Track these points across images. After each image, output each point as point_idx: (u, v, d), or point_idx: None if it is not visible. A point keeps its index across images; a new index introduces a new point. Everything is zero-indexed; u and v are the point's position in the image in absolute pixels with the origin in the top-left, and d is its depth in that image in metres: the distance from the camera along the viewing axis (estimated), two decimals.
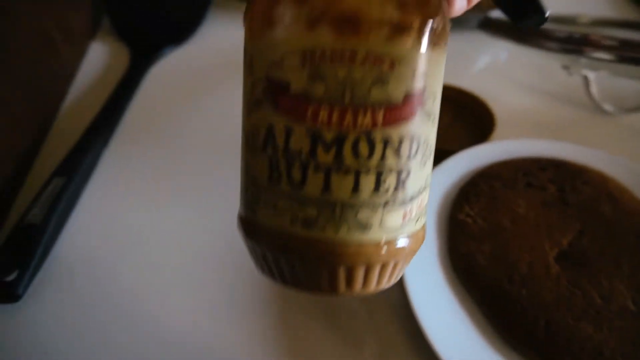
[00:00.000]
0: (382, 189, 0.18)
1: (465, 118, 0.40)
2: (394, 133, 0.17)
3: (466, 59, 0.47)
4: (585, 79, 0.41)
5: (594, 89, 0.41)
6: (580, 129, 0.40)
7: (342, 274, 0.19)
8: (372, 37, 0.16)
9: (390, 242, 0.19)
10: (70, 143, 0.35)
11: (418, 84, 0.17)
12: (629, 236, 0.30)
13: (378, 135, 0.17)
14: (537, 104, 0.43)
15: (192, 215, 0.33)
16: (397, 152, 0.18)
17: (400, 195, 0.18)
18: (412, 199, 0.19)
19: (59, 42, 0.41)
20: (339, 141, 0.17)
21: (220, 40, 0.48)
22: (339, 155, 0.17)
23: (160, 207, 0.33)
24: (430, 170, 0.20)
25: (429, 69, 0.18)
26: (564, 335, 0.26)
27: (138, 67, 0.43)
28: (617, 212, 0.31)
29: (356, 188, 0.18)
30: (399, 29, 0.16)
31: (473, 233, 0.30)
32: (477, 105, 0.40)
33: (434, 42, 0.17)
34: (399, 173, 0.18)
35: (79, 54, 0.45)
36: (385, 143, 0.17)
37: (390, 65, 0.17)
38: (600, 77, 0.41)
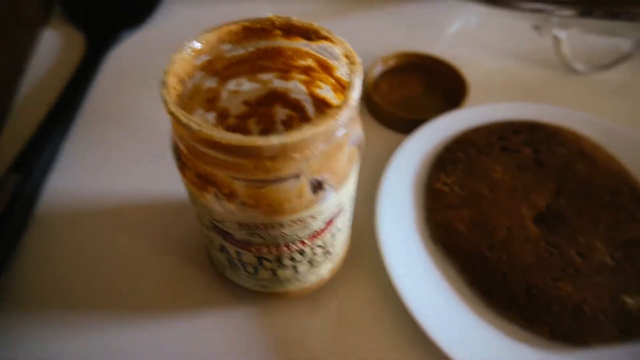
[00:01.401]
0: (315, 263, 0.24)
1: (438, 86, 0.39)
2: (320, 240, 0.22)
3: (437, 25, 0.46)
4: (556, 39, 0.40)
5: (565, 48, 0.40)
6: (553, 89, 0.40)
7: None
8: (295, 211, 0.19)
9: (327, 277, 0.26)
10: (25, 137, 0.33)
11: (336, 210, 0.21)
12: (604, 193, 0.30)
13: (308, 249, 0.22)
14: (509, 67, 0.42)
15: (158, 205, 0.31)
16: (324, 247, 0.23)
17: (328, 259, 0.25)
18: (337, 251, 0.25)
19: (8, 31, 0.39)
20: (279, 259, 0.22)
21: (179, 22, 0.46)
22: (280, 263, 0.22)
23: (125, 199, 0.32)
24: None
25: (344, 196, 0.21)
26: (544, 297, 0.26)
27: (94, 53, 0.41)
28: (591, 171, 0.31)
29: (296, 271, 0.24)
30: (316, 196, 0.19)
31: (451, 201, 0.30)
32: (449, 72, 0.39)
33: (341, 184, 0.20)
34: (326, 253, 0.24)
35: (31, 42, 0.43)
36: (313, 247, 0.22)
37: (312, 217, 0.20)
38: (571, 37, 0.40)
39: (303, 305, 0.27)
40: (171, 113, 0.17)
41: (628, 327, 0.25)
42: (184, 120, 0.16)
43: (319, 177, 0.19)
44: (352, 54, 0.19)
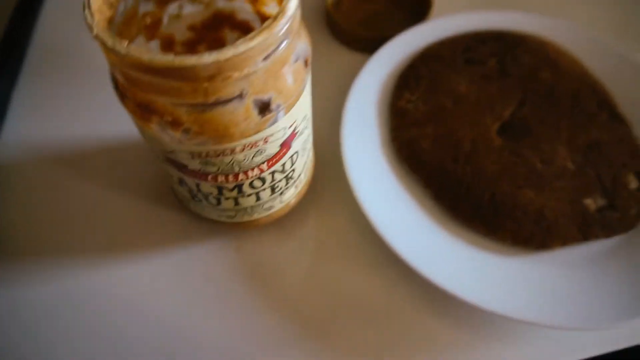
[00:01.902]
0: (277, 191, 0.24)
1: (400, 2, 0.38)
2: (279, 165, 0.22)
3: None
4: None
5: None
6: None
7: None
8: (245, 135, 0.18)
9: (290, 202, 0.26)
10: None
11: (290, 132, 0.21)
12: (567, 99, 0.29)
13: (267, 175, 0.22)
14: None
15: (118, 145, 0.30)
16: (284, 171, 0.23)
17: (291, 184, 0.24)
18: (299, 175, 0.25)
19: None
20: (239, 186, 0.22)
21: None
22: (241, 190, 0.22)
23: (84, 142, 0.31)
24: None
25: (297, 116, 0.20)
26: (507, 204, 0.26)
27: None
28: (555, 76, 0.30)
29: (258, 198, 0.23)
30: (264, 118, 0.18)
31: (415, 119, 0.29)
32: None
33: (291, 103, 0.19)
34: (287, 178, 0.23)
35: None
36: (273, 173, 0.22)
37: (264, 141, 0.20)
38: None
39: (272, 232, 0.27)
40: (96, 37, 0.16)
41: (586, 228, 0.25)
42: (110, 43, 0.15)
43: (264, 97, 0.18)
44: None
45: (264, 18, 0.23)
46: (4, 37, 0.34)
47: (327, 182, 0.29)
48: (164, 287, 0.26)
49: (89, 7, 0.17)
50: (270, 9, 0.22)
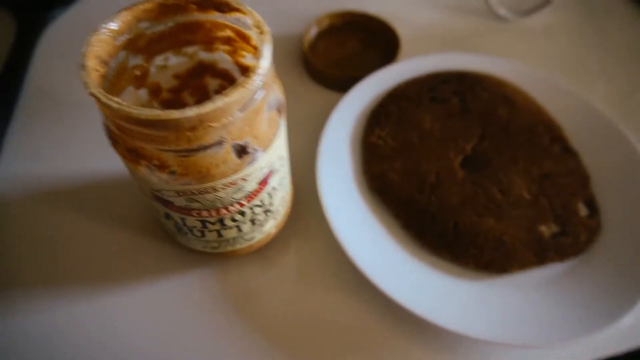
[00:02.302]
0: (257, 223, 0.26)
1: (373, 43, 0.41)
2: (258, 201, 0.24)
3: None
4: None
5: None
6: (481, 37, 0.42)
7: None
8: (225, 175, 0.20)
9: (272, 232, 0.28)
10: None
11: (267, 171, 0.23)
12: (523, 133, 0.32)
13: (247, 210, 0.24)
14: (438, 19, 0.43)
15: (106, 180, 0.32)
16: (263, 205, 0.25)
17: (270, 216, 0.26)
18: (278, 208, 0.27)
19: None
20: (221, 220, 0.24)
21: None
22: (223, 224, 0.24)
23: (74, 178, 0.32)
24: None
25: (272, 157, 0.22)
26: (469, 232, 0.28)
27: (27, 35, 0.41)
28: (512, 113, 0.33)
29: (240, 230, 0.25)
30: (242, 160, 0.20)
31: (385, 154, 0.32)
32: (382, 28, 0.40)
33: (266, 146, 0.21)
34: (266, 211, 0.26)
35: None
36: (252, 207, 0.24)
37: (243, 179, 0.21)
38: None
39: (254, 261, 0.29)
40: (92, 94, 0.18)
41: (542, 253, 0.28)
42: (104, 100, 0.18)
43: (241, 142, 0.20)
44: (260, 24, 0.20)
45: (242, 67, 0.26)
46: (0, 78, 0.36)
47: (306, 212, 0.31)
48: (151, 315, 0.27)
49: (84, 67, 0.19)
50: (248, 60, 0.25)
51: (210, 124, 0.18)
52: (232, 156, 0.20)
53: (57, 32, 0.42)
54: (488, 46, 0.41)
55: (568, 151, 0.32)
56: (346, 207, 0.30)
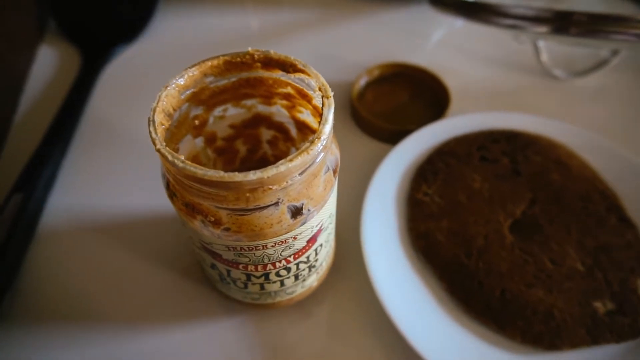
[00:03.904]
0: (300, 278, 0.26)
1: (422, 95, 0.41)
2: (304, 257, 0.24)
3: (419, 34, 0.48)
4: (536, 47, 0.42)
5: (544, 56, 0.42)
6: (533, 95, 0.41)
7: None
8: (277, 234, 0.21)
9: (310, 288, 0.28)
10: (26, 156, 0.35)
11: (317, 230, 0.23)
12: (576, 201, 0.31)
13: (292, 266, 0.24)
14: (490, 74, 0.43)
15: (155, 220, 0.33)
16: (308, 261, 0.25)
17: (313, 271, 0.26)
18: (322, 263, 0.27)
19: (3, 50, 0.40)
20: (266, 274, 0.24)
21: (173, 34, 0.47)
22: (267, 278, 0.24)
23: (123, 215, 0.33)
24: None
25: (324, 216, 0.22)
26: (517, 302, 0.27)
27: (90, 69, 0.43)
28: (565, 179, 0.32)
29: (282, 284, 0.25)
30: (295, 221, 0.20)
31: (431, 211, 0.31)
32: (433, 81, 0.41)
33: (320, 207, 0.21)
34: (310, 267, 0.25)
35: (27, 60, 0.44)
36: (298, 263, 0.24)
37: (294, 238, 0.22)
38: (550, 44, 0.42)
39: (293, 314, 0.29)
40: (159, 151, 0.18)
41: (596, 331, 0.26)
42: (170, 158, 0.18)
43: (297, 204, 0.20)
44: (325, 88, 0.20)
45: (297, 122, 0.26)
46: (60, 111, 0.38)
47: (347, 265, 0.31)
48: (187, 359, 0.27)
49: (154, 123, 0.19)
50: (304, 116, 0.25)
51: (270, 186, 0.18)
52: (287, 217, 0.20)
53: (118, 67, 0.44)
54: (540, 105, 0.40)
55: (625, 222, 0.30)
56: (389, 264, 0.29)
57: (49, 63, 0.44)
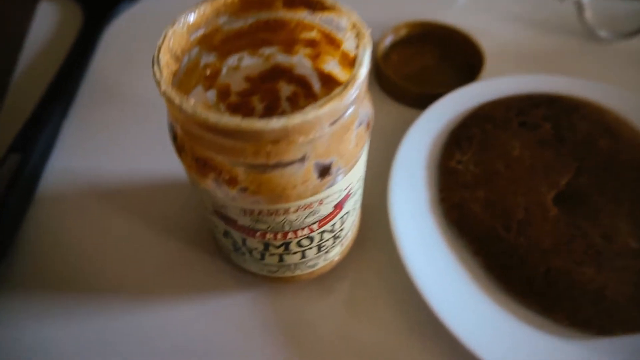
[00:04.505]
0: (323, 250, 0.23)
1: (452, 57, 0.37)
2: (329, 226, 0.21)
3: None
4: (578, 4, 0.38)
5: (587, 14, 0.38)
6: (574, 58, 0.38)
7: None
8: (301, 197, 0.18)
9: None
10: (25, 116, 0.32)
11: (345, 194, 0.20)
12: (629, 170, 0.28)
13: (316, 235, 0.21)
14: (527, 35, 0.40)
15: (161, 186, 0.30)
16: (333, 231, 0.22)
17: (337, 242, 0.23)
18: (347, 233, 0.24)
19: (2, 7, 0.37)
20: (286, 244, 0.21)
21: None
22: (287, 248, 0.21)
23: (127, 180, 0.31)
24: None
25: (353, 179, 0.20)
26: (564, 281, 0.24)
27: (92, 27, 0.40)
28: (615, 146, 0.29)
29: (304, 256, 0.23)
30: (322, 181, 0.18)
31: (465, 181, 0.28)
32: (464, 42, 0.37)
33: (350, 167, 0.19)
34: (335, 237, 0.23)
35: (26, 17, 0.41)
36: (322, 232, 0.21)
37: (319, 203, 0.19)
38: (594, 1, 0.38)
39: (312, 289, 0.26)
40: (164, 94, 0.16)
41: None
42: (177, 101, 0.15)
43: (325, 161, 0.17)
44: (359, 26, 0.17)
45: (322, 75, 0.23)
46: (60, 70, 0.35)
47: (371, 239, 0.28)
48: (196, 335, 0.25)
49: (158, 63, 0.16)
50: (330, 67, 0.22)
51: (295, 137, 0.15)
52: (313, 176, 0.17)
53: (122, 26, 0.41)
54: (584, 69, 0.36)
55: None
56: (419, 237, 0.26)
57: (49, 20, 0.41)
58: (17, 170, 0.29)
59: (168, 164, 0.31)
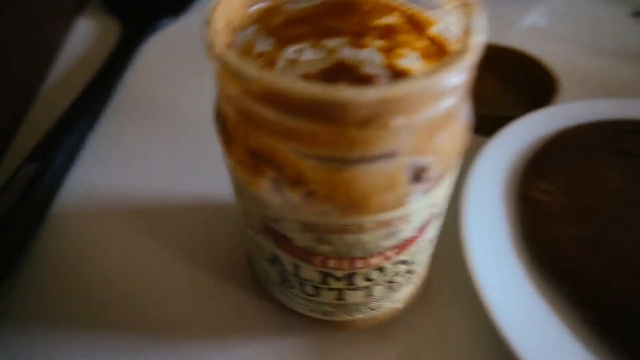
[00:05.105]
0: (394, 287, 0.18)
1: (516, 82, 0.33)
2: (407, 254, 0.17)
3: (513, 14, 0.41)
4: None
5: None
6: None
7: None
8: (384, 209, 0.14)
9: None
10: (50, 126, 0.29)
11: (431, 214, 0.16)
12: None
13: (389, 266, 0.16)
14: (601, 61, 0.36)
15: (189, 207, 0.26)
16: (409, 263, 0.17)
17: (411, 279, 0.19)
18: (422, 270, 0.20)
19: (41, 17, 0.35)
20: (350, 275, 0.16)
21: None
22: (351, 282, 0.17)
23: (153, 199, 0.27)
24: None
25: (441, 194, 0.15)
26: None
27: (129, 41, 0.37)
28: None
29: (369, 294, 0.18)
30: (413, 189, 0.13)
31: (553, 214, 0.23)
32: (531, 66, 0.33)
33: (449, 172, 0.15)
34: (409, 271, 0.18)
35: (64, 29, 0.40)
36: (397, 264, 0.17)
37: (403, 219, 0.14)
38: None
39: (370, 339, 0.21)
40: (218, 57, 0.12)
41: None
42: (236, 65, 0.11)
43: (421, 160, 0.13)
44: None
45: (393, 73, 0.19)
46: (91, 82, 0.33)
47: (443, 282, 0.23)
48: None
49: (212, 24, 0.13)
50: (408, 62, 0.18)
51: (391, 119, 0.11)
52: (404, 179, 0.13)
53: (161, 42, 0.39)
54: None
55: None
56: (502, 281, 0.21)
57: (86, 35, 0.40)
58: (33, 181, 0.25)
59: (196, 186, 0.27)
